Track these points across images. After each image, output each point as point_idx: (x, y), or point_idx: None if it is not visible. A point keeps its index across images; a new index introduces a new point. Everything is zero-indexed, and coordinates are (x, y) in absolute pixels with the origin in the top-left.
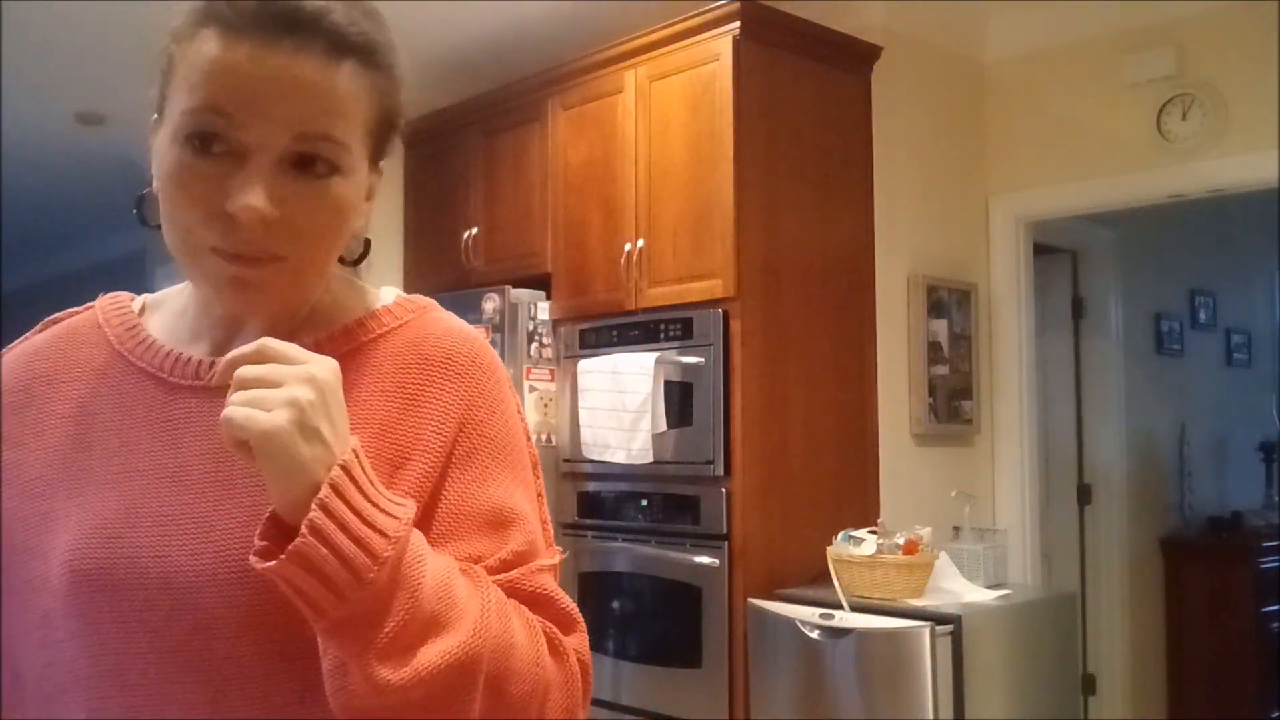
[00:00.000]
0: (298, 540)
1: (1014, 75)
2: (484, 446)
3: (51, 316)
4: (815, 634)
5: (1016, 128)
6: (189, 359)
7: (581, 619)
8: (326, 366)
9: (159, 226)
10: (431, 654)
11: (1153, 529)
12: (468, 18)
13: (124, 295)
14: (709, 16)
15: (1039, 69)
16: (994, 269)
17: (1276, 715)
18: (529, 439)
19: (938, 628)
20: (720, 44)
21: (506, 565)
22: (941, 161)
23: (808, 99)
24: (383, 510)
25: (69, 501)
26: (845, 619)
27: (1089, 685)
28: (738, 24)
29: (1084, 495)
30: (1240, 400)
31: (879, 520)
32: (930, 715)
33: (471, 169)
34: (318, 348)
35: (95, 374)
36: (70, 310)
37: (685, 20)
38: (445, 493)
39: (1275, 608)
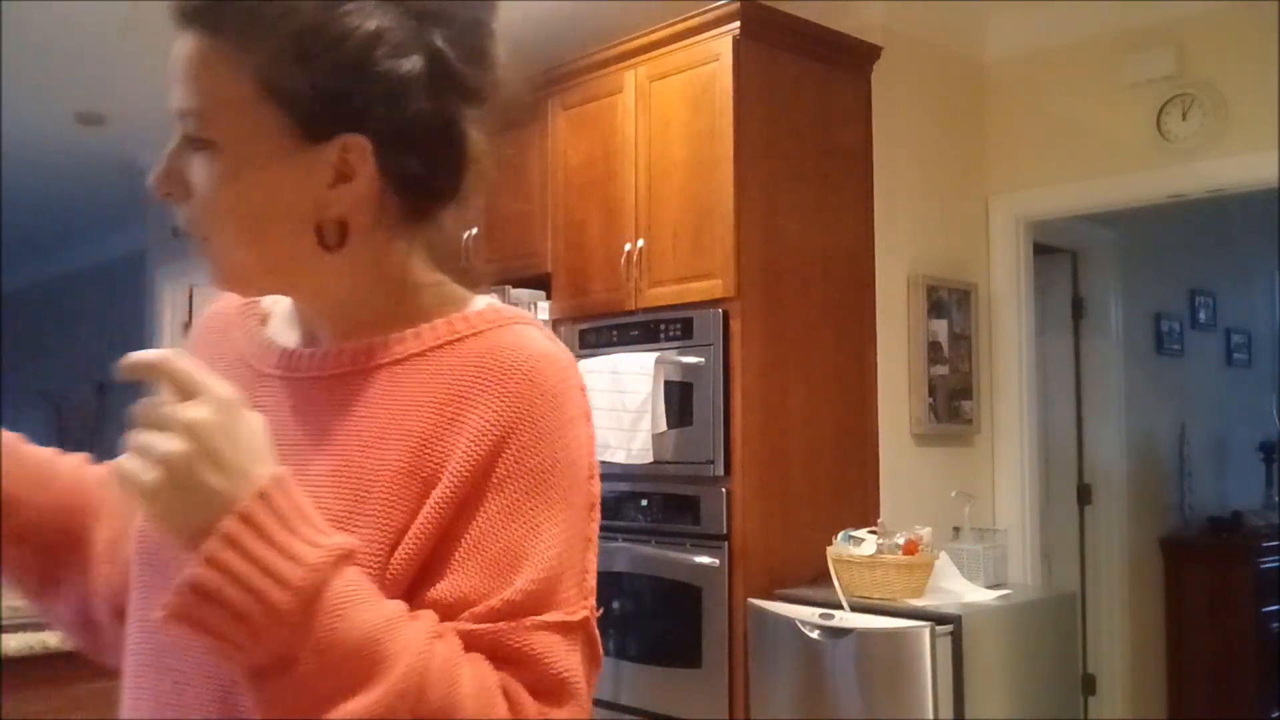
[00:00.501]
0: (175, 598)
1: (1014, 75)
2: (519, 477)
3: (212, 303)
4: (815, 634)
5: (1016, 128)
6: (275, 346)
7: (583, 689)
8: (214, 401)
9: None
10: (337, 713)
11: (1153, 529)
12: None
13: None
14: (709, 16)
15: (1039, 69)
16: (994, 269)
17: (1276, 715)
18: (592, 476)
19: (938, 628)
20: (720, 44)
21: (496, 614)
22: (941, 161)
23: (808, 99)
24: (290, 556)
25: None
26: (845, 619)
27: (1089, 685)
28: (738, 24)
29: (1084, 495)
30: (1240, 400)
31: (879, 520)
32: (930, 715)
33: None
34: (373, 351)
35: (225, 352)
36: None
37: (685, 20)
38: (468, 522)
39: (1275, 608)
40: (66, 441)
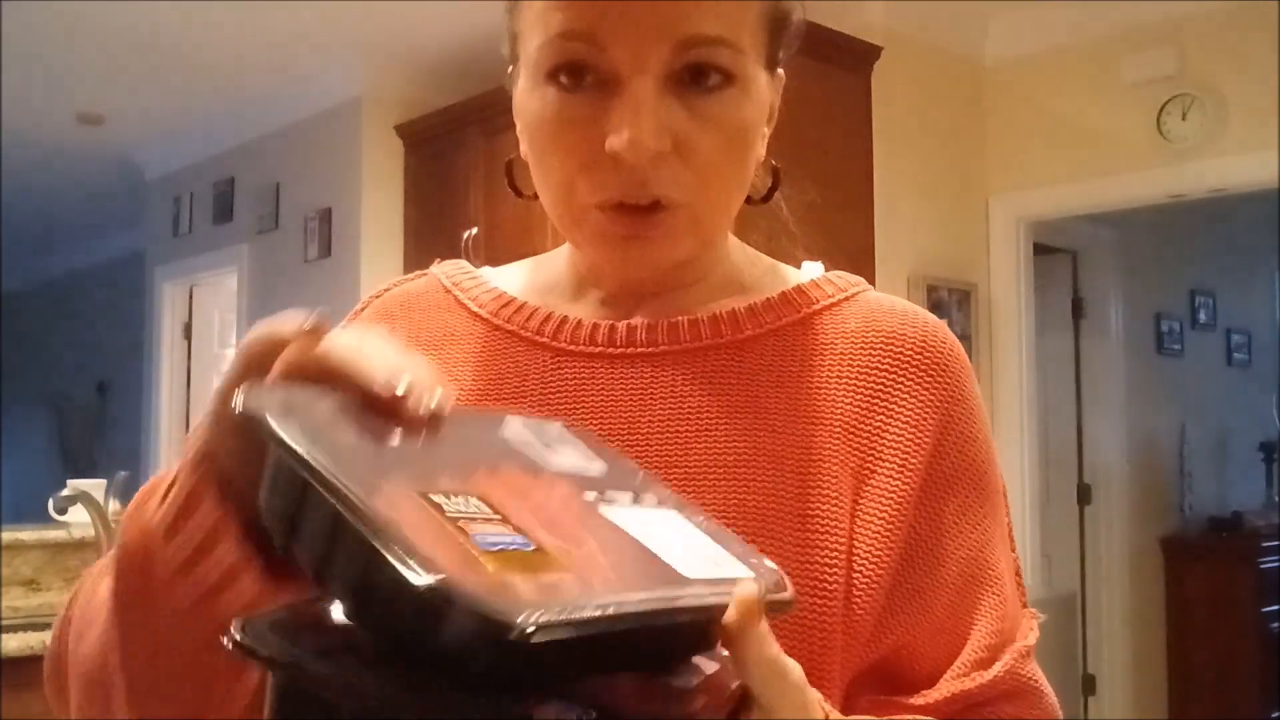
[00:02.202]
0: None
1: (1014, 75)
2: (965, 473)
3: (374, 292)
4: None
5: (1016, 128)
6: (576, 322)
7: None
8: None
9: (535, 196)
10: None
11: (1153, 529)
12: (468, 18)
13: (463, 262)
14: None
15: (1039, 69)
16: (994, 269)
17: (1276, 715)
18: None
19: None
20: None
21: (982, 662)
22: (941, 161)
23: (808, 99)
24: None
25: None
26: None
27: (1089, 685)
28: None
29: (1084, 495)
30: (1240, 400)
31: None
32: None
33: (471, 169)
34: (738, 322)
35: (455, 340)
36: (394, 281)
37: None
38: (915, 529)
39: (1275, 608)
40: (66, 441)
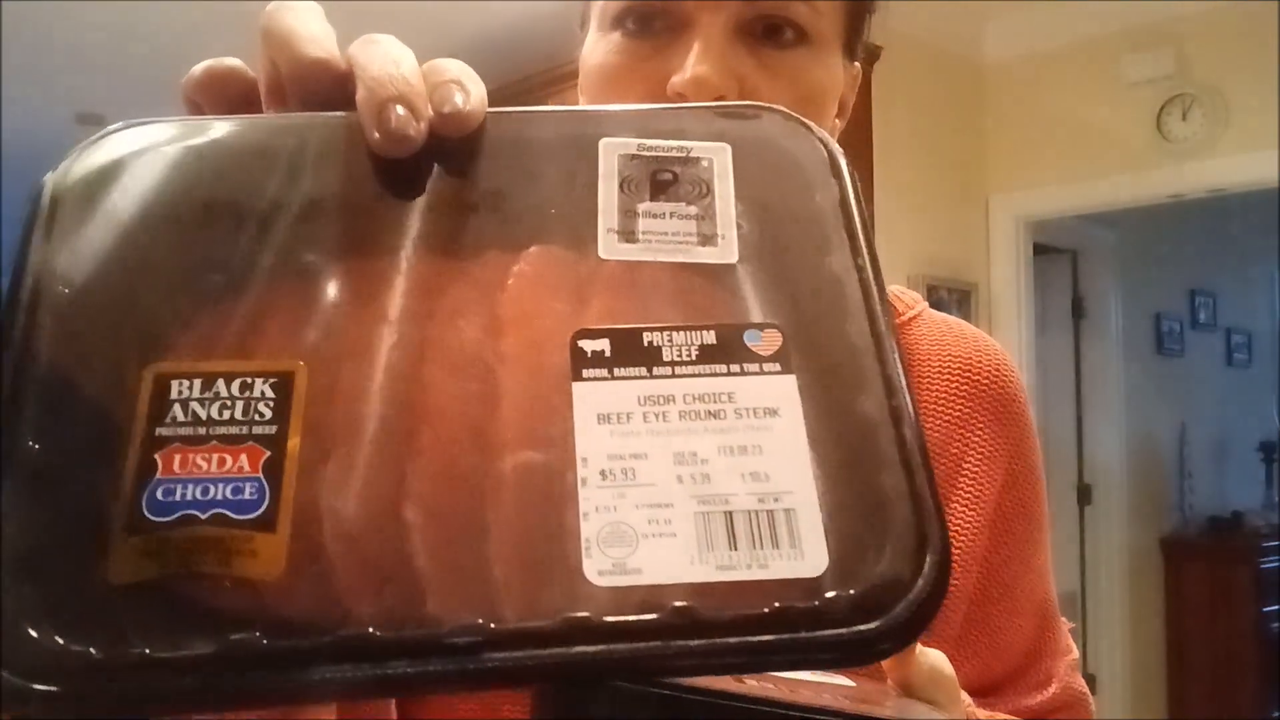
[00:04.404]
0: None
1: (1014, 75)
2: (1029, 506)
3: None
4: None
5: (1016, 128)
6: None
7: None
8: None
9: None
10: None
11: (1153, 529)
12: (468, 18)
13: None
14: None
15: (1039, 69)
16: (994, 269)
17: (1277, 715)
18: None
19: None
20: None
21: (1042, 683)
22: (941, 161)
23: None
24: None
25: None
26: None
27: (1089, 685)
28: None
29: (1084, 495)
30: (1240, 400)
31: None
32: None
33: None
34: None
35: None
36: None
37: None
38: (987, 561)
39: (1275, 608)
40: None
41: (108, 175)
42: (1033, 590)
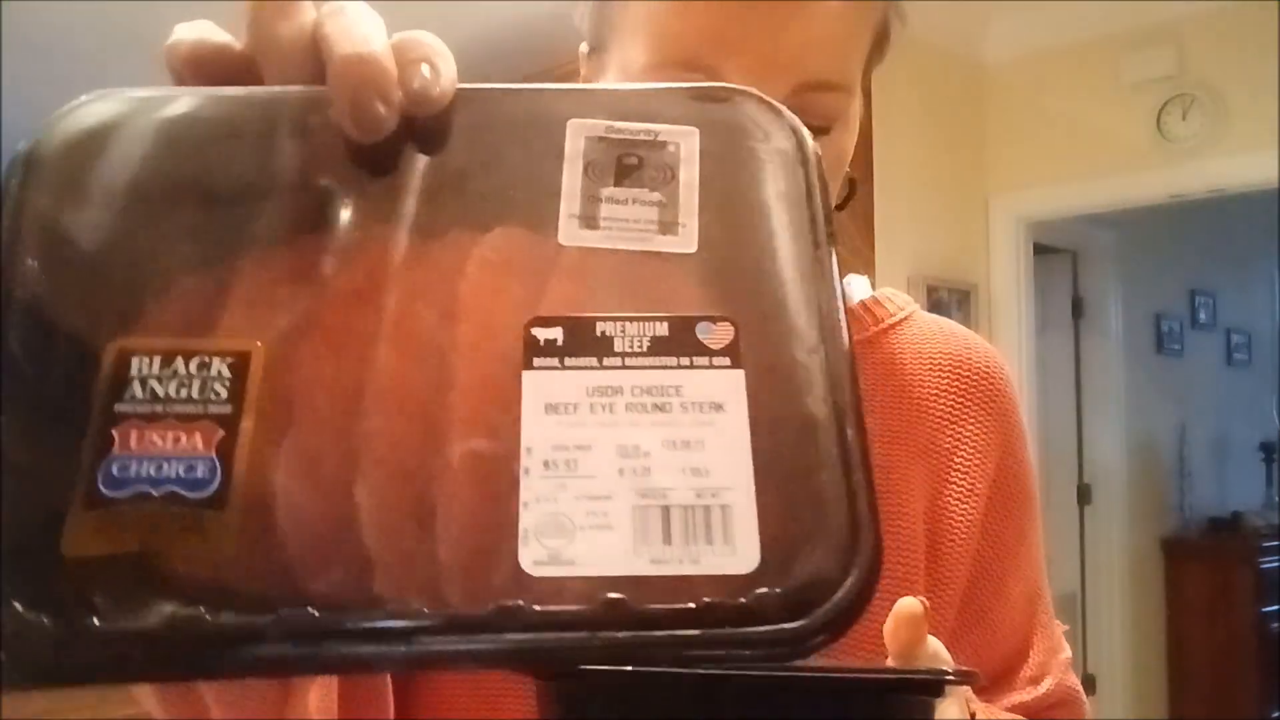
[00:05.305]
0: None
1: (1014, 75)
2: (1020, 497)
3: None
4: None
5: (1016, 128)
6: None
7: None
8: None
9: None
10: None
11: (1153, 529)
12: (468, 18)
13: None
14: None
15: (1039, 69)
16: (994, 269)
17: (1276, 715)
18: None
19: None
20: None
21: (1035, 679)
22: (941, 161)
23: None
24: None
25: None
26: None
27: (1089, 685)
28: None
29: (1084, 495)
30: (1240, 400)
31: None
32: None
33: None
34: None
35: None
36: None
37: None
38: (980, 552)
39: (1275, 608)
40: None
41: (81, 146)
42: (1025, 583)
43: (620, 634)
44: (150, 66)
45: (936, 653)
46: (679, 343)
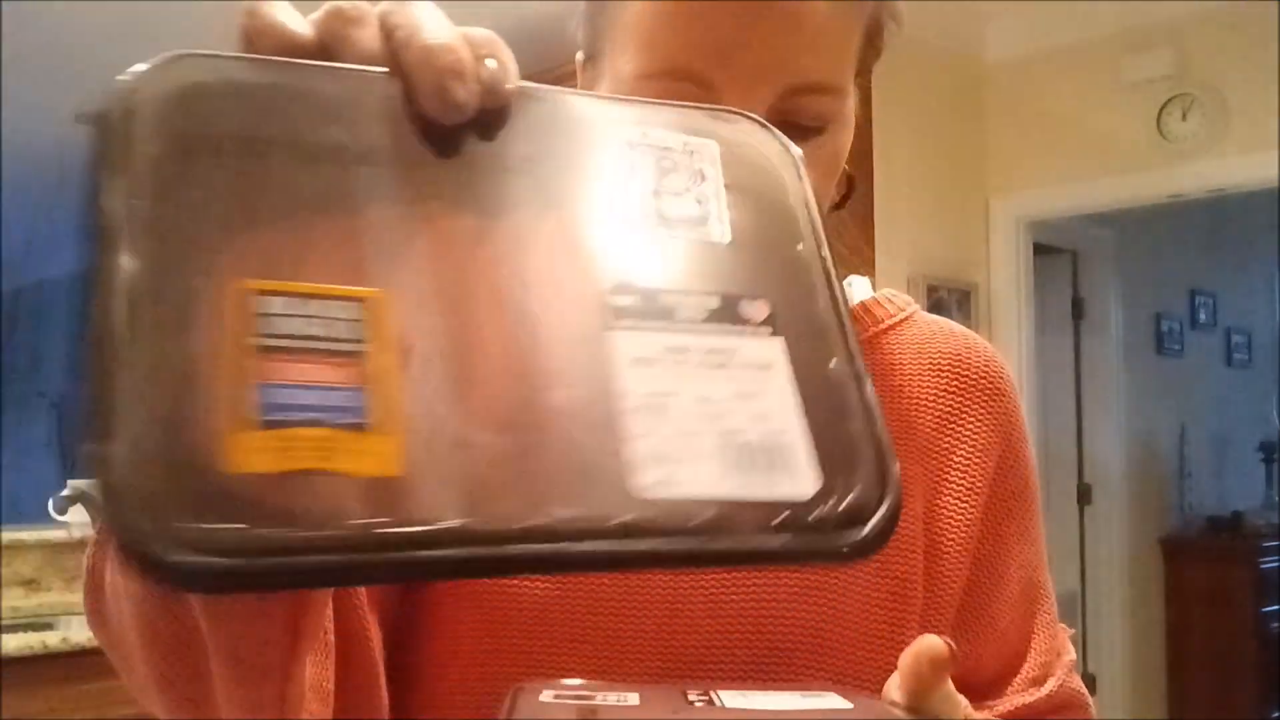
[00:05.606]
0: None
1: (1014, 75)
2: (1021, 494)
3: None
4: None
5: (1016, 128)
6: None
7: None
8: None
9: None
10: None
11: (1153, 529)
12: (468, 18)
13: None
14: None
15: (1039, 69)
16: (994, 269)
17: (1276, 715)
18: None
19: None
20: None
21: (1038, 679)
22: (941, 161)
23: None
24: None
25: None
26: None
27: (1089, 685)
28: None
29: (1084, 495)
30: (1240, 400)
31: None
32: None
33: None
34: None
35: None
36: None
37: None
38: (980, 549)
39: (1275, 608)
40: (67, 441)
41: (183, 100)
42: (1026, 581)
43: (722, 545)
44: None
45: (949, 697)
46: (729, 314)
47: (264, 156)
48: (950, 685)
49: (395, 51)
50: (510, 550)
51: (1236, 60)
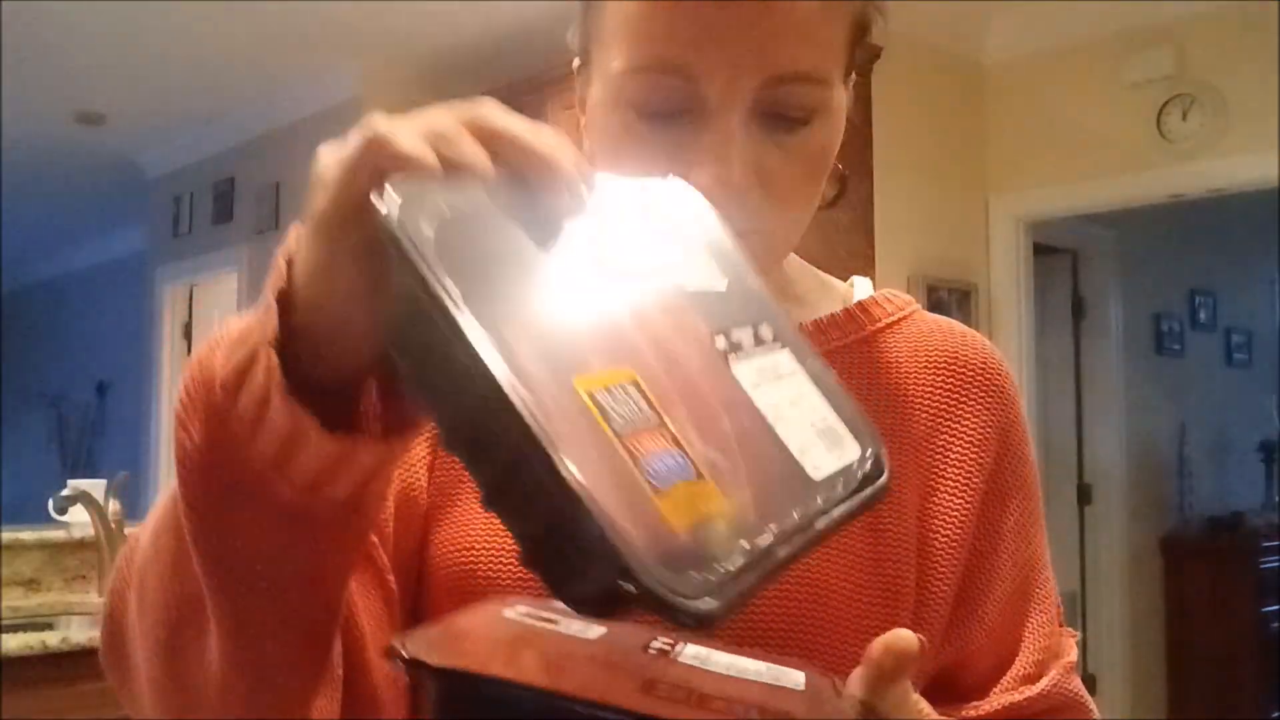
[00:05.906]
0: None
1: (1014, 75)
2: (1019, 490)
3: None
4: None
5: (1016, 128)
6: None
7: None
8: None
9: None
10: None
11: (1153, 529)
12: (468, 18)
13: None
14: None
15: (1039, 69)
16: (994, 269)
17: (1277, 715)
18: None
19: None
20: None
21: (1030, 677)
22: (941, 161)
23: None
24: None
25: None
26: None
27: (1089, 685)
28: None
29: (1084, 495)
30: (1240, 400)
31: None
32: None
33: None
34: (818, 332)
35: None
36: None
37: None
38: (975, 544)
39: (1275, 608)
40: (66, 441)
41: (446, 226)
42: (1022, 577)
43: (849, 503)
44: (151, 66)
45: (904, 701)
46: (759, 338)
47: (524, 264)
48: (909, 685)
49: (514, 161)
50: (816, 529)
51: (1236, 60)
